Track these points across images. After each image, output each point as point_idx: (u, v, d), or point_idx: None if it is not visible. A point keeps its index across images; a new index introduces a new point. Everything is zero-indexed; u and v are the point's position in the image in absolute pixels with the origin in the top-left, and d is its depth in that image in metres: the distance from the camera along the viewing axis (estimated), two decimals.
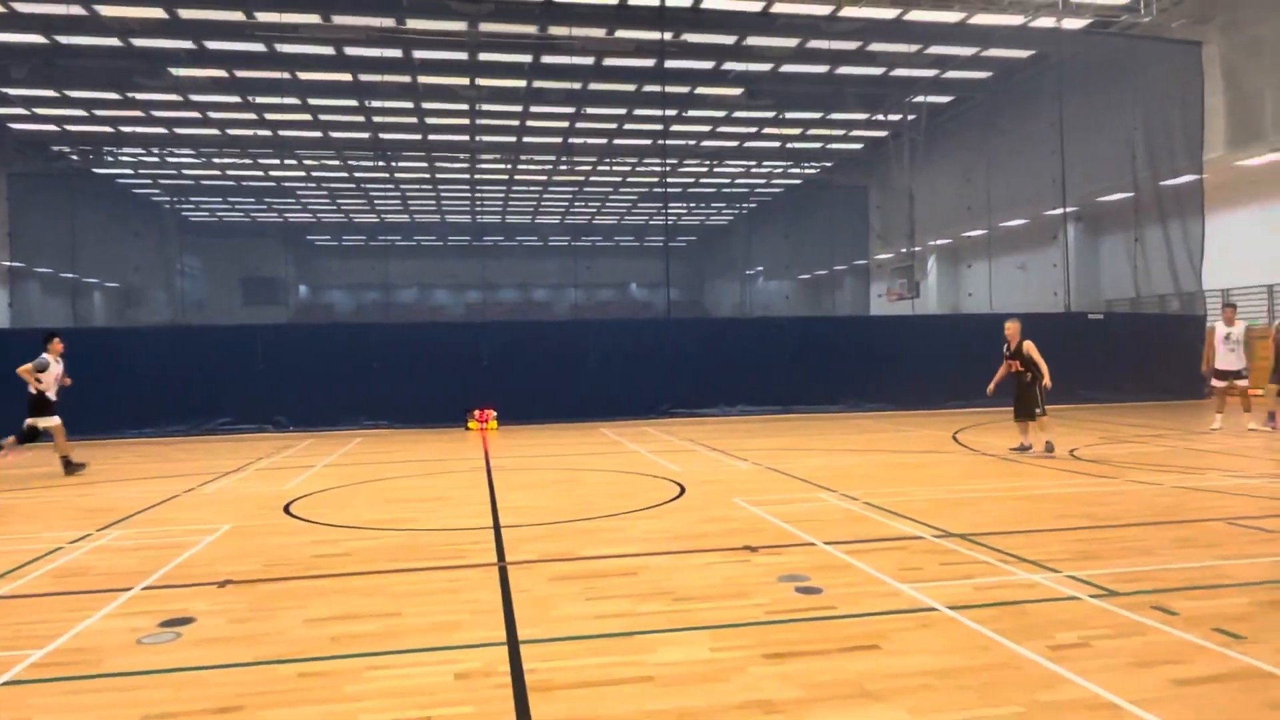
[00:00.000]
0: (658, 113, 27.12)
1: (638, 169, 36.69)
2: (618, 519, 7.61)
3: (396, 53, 22.53)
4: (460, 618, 4.76)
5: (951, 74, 26.34)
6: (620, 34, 21.80)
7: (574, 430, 16.84)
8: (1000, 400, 12.36)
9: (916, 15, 21.53)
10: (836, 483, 9.30)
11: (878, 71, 25.79)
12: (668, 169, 33.97)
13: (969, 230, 29.72)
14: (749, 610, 4.76)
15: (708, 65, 24.86)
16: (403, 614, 4.85)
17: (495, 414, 17.67)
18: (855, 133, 32.40)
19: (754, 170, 38.43)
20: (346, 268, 48.51)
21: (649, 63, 23.37)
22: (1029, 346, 11.14)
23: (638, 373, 18.58)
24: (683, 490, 9.09)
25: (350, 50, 22.23)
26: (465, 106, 28.01)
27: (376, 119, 28.56)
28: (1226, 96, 21.46)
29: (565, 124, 30.39)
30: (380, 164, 34.17)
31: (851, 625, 4.47)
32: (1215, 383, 14.31)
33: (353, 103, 27.13)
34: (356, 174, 36.28)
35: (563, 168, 35.85)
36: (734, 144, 33.79)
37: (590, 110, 28.85)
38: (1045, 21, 22.26)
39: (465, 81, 25.59)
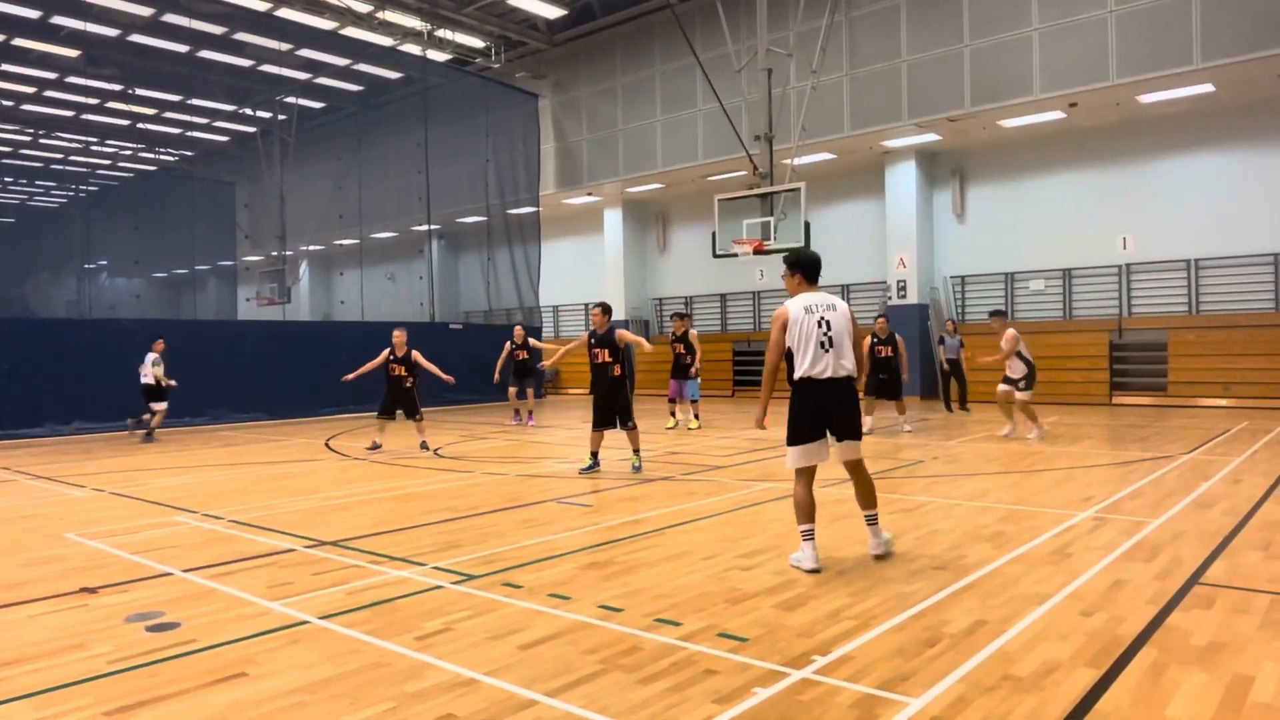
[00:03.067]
0: None
1: None
2: None
3: None
4: None
5: (325, 81, 26.31)
6: None
7: None
8: (373, 405, 12.94)
9: (288, 14, 21.06)
10: (198, 503, 8.53)
11: (246, 64, 24.48)
12: None
13: (341, 238, 30.00)
14: (88, 663, 4.06)
15: (32, 14, 20.64)
16: None
17: None
18: (220, 124, 30.14)
19: (95, 148, 33.04)
20: None
21: None
22: (417, 355, 12.70)
23: None
24: None
25: None
26: None
27: None
28: (556, 144, 25.55)
29: None
30: None
31: (215, 656, 4.12)
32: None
33: None
34: None
35: None
36: (69, 114, 28.67)
37: None
38: (413, 48, 23.75)
39: None
